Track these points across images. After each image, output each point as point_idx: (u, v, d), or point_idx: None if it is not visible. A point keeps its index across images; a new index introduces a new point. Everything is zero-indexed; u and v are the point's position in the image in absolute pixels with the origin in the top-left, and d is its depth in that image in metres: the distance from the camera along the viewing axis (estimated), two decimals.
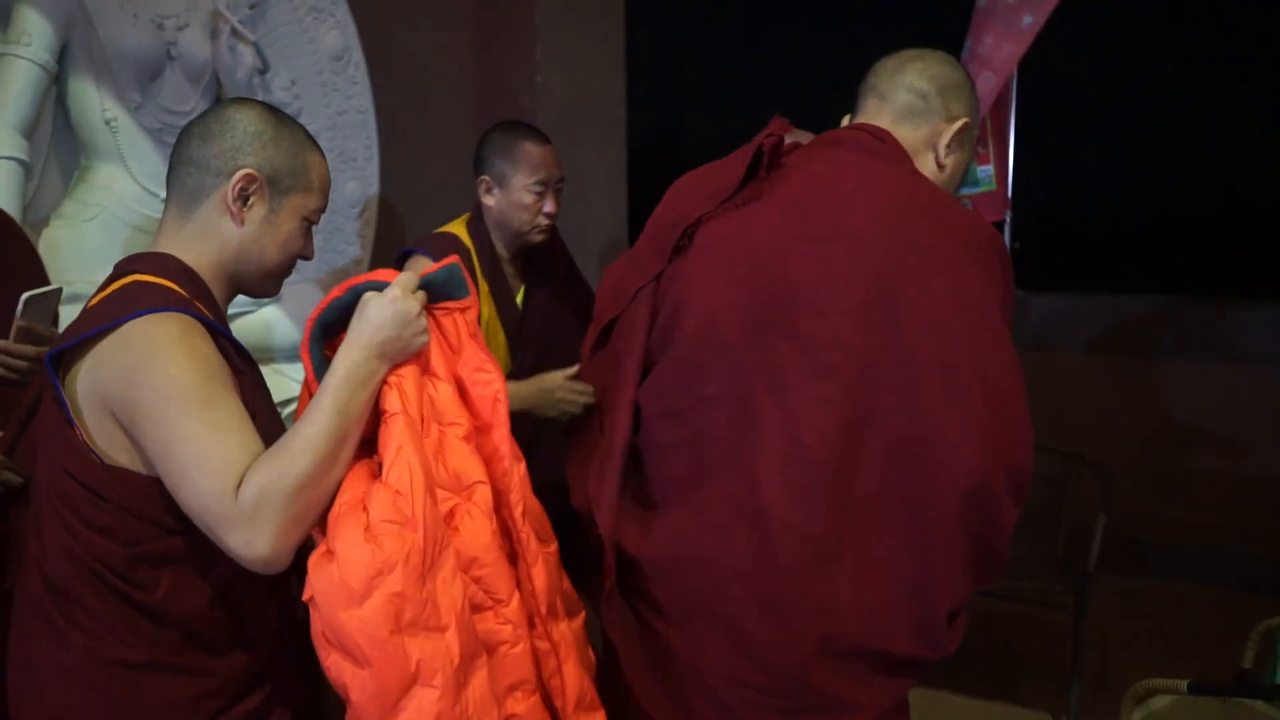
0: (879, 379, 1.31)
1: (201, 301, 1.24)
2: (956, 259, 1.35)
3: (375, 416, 1.20)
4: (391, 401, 1.18)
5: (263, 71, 2.55)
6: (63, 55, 2.22)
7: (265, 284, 1.33)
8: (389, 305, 1.18)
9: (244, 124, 1.26)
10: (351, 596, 1.07)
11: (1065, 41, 3.44)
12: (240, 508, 1.06)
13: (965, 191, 3.37)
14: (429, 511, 1.13)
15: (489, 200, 2.12)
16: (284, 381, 2.58)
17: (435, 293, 1.26)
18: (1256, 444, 3.87)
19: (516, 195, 2.09)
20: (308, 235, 1.33)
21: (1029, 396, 1.38)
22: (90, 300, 1.23)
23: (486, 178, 2.12)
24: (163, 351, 1.12)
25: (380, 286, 1.21)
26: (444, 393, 1.24)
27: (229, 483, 1.07)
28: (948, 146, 1.50)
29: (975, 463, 1.29)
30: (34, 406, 1.29)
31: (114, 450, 1.16)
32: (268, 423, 1.23)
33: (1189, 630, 3.35)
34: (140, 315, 1.14)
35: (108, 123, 2.27)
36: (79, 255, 2.27)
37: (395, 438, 1.16)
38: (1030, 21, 3.38)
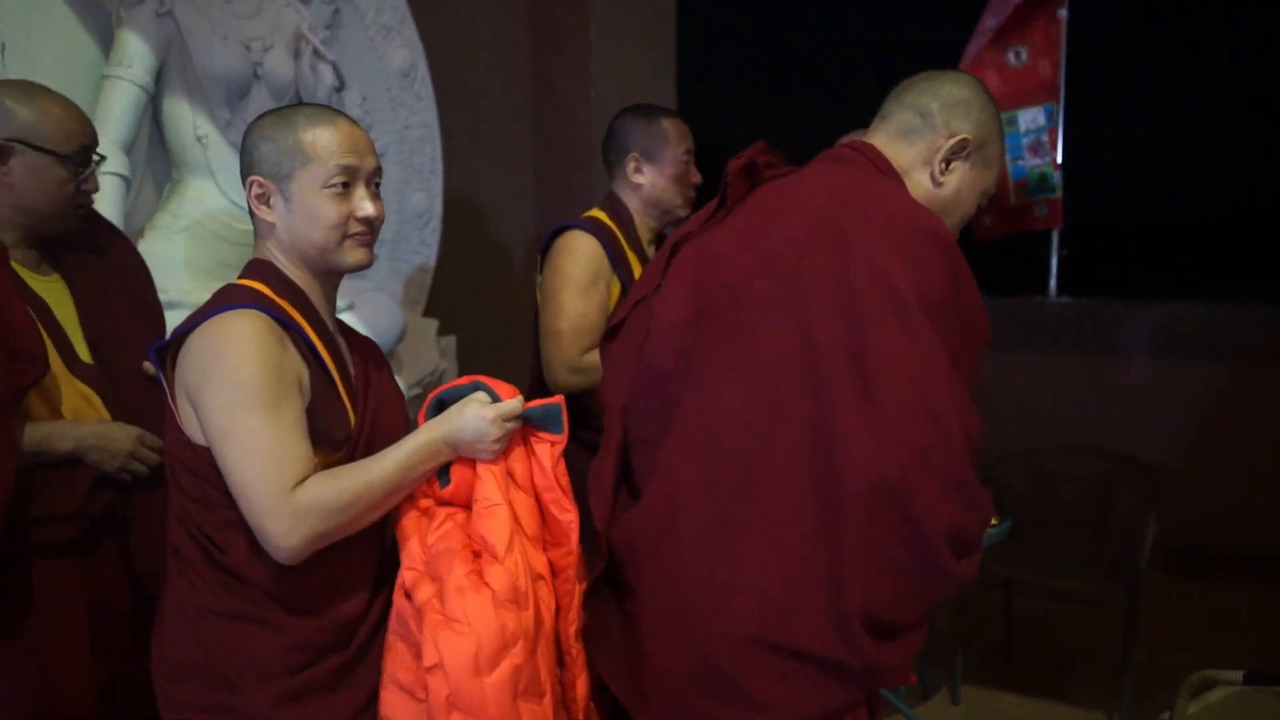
0: (790, 370, 1.34)
1: (292, 299, 1.37)
2: (879, 252, 1.33)
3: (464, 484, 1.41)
4: (492, 492, 1.37)
5: (339, 89, 2.68)
6: (158, 76, 2.36)
7: (333, 259, 1.39)
8: (477, 420, 1.35)
9: (248, 140, 1.38)
10: (481, 667, 1.26)
11: (1104, 46, 3.50)
12: (293, 504, 1.24)
13: (1042, 195, 3.44)
14: (534, 595, 1.34)
15: (640, 178, 2.16)
16: None
17: (534, 423, 1.42)
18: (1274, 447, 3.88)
19: (670, 168, 2.14)
20: (341, 198, 1.36)
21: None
22: None
23: (635, 154, 2.15)
24: (233, 349, 1.26)
25: (493, 396, 1.40)
26: (524, 502, 1.42)
27: (287, 479, 1.25)
28: (944, 162, 1.48)
29: (883, 460, 1.27)
30: None
31: (194, 431, 1.31)
32: (328, 408, 1.36)
33: (1238, 629, 3.38)
34: (220, 312, 1.29)
35: (199, 139, 2.40)
36: (171, 265, 2.40)
37: (506, 529, 1.35)
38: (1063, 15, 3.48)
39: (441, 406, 1.42)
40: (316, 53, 2.53)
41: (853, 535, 1.29)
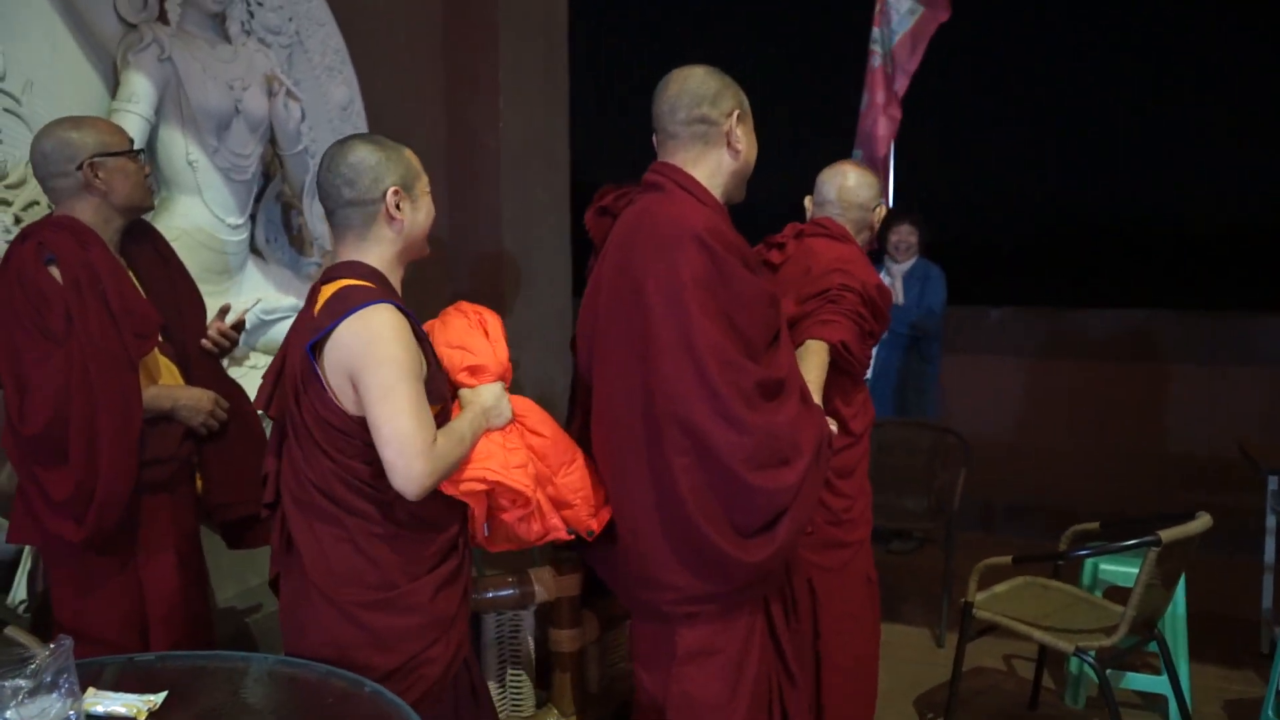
0: (627, 354, 1.89)
1: (391, 293, 1.77)
2: (652, 260, 1.86)
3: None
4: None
5: (303, 121, 3.14)
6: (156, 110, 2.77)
7: (424, 248, 1.87)
8: (496, 400, 1.89)
9: (368, 160, 1.76)
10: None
11: (946, 73, 4.34)
12: (436, 451, 1.69)
13: None
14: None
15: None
16: None
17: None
18: (1074, 428, 4.83)
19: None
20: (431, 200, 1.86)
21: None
22: (316, 302, 1.75)
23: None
24: (385, 336, 1.66)
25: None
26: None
27: (431, 434, 1.69)
28: (738, 132, 1.96)
29: (677, 406, 1.82)
30: (278, 376, 1.81)
31: (350, 405, 1.69)
32: (438, 375, 1.83)
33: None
34: (363, 308, 1.66)
35: (190, 163, 2.82)
36: None
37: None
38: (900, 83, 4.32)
39: None
40: (289, 93, 2.99)
41: (675, 460, 1.82)
